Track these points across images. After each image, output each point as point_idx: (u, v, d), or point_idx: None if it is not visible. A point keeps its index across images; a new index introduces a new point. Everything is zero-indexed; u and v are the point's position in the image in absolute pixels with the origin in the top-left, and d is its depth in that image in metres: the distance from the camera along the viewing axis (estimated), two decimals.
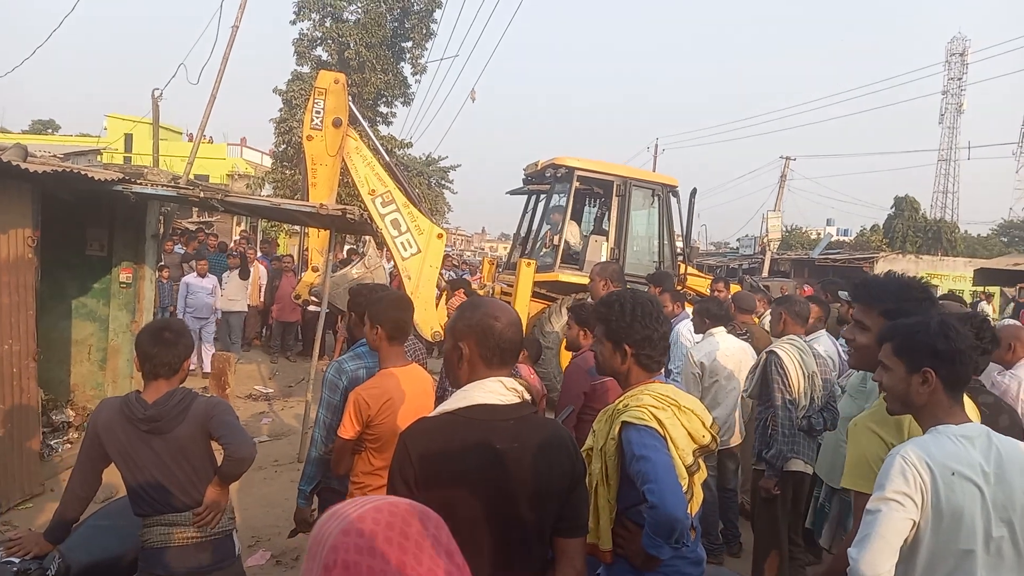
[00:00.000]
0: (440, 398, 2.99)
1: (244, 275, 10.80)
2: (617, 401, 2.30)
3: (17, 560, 2.42)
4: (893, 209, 40.08)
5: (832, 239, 38.96)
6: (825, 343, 5.16)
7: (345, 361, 3.21)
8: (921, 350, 1.94)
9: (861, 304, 2.56)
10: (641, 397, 2.21)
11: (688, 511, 2.07)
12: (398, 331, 2.93)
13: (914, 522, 1.80)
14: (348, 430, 2.79)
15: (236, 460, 2.57)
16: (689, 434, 2.20)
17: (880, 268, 22.98)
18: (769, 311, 5.63)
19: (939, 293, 5.69)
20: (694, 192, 9.15)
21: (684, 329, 5.52)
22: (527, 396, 1.90)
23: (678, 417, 2.19)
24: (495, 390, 1.85)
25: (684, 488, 2.11)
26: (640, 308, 2.29)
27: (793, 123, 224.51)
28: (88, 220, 6.87)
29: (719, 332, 5.04)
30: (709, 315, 5.09)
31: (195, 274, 10.06)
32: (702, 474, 2.28)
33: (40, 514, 4.86)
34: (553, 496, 1.84)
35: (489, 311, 1.90)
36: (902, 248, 33.42)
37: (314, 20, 20.53)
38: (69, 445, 6.27)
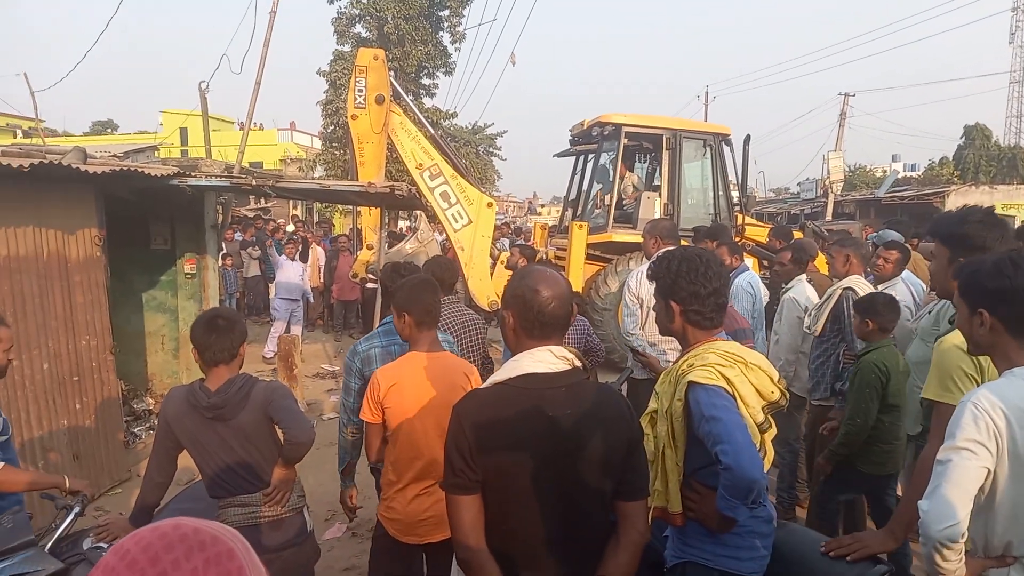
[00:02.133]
0: None
1: (304, 258, 11.09)
2: (680, 361, 2.23)
3: (106, 545, 2.53)
4: (963, 139, 38.10)
5: (899, 176, 37.14)
6: (901, 290, 4.94)
7: (360, 342, 3.22)
8: (975, 291, 1.88)
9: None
10: (706, 356, 2.14)
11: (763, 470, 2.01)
12: (428, 315, 2.78)
13: (989, 470, 1.72)
14: (365, 411, 2.73)
15: (295, 444, 2.65)
16: (757, 391, 2.14)
17: (951, 202, 21.88)
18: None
19: (1017, 225, 5.37)
20: (748, 139, 8.86)
21: (744, 282, 5.37)
22: (578, 363, 1.87)
23: (745, 374, 2.12)
24: (544, 359, 1.83)
25: (757, 447, 2.05)
26: (686, 264, 2.21)
27: (850, 56, 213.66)
28: (150, 215, 7.09)
29: (804, 278, 5.14)
30: (805, 259, 5.21)
31: (285, 257, 10.34)
32: (772, 431, 2.21)
33: (129, 499, 5.10)
34: (610, 461, 1.82)
35: (532, 282, 1.86)
36: (975, 179, 31.75)
37: None
38: (151, 432, 6.56)
